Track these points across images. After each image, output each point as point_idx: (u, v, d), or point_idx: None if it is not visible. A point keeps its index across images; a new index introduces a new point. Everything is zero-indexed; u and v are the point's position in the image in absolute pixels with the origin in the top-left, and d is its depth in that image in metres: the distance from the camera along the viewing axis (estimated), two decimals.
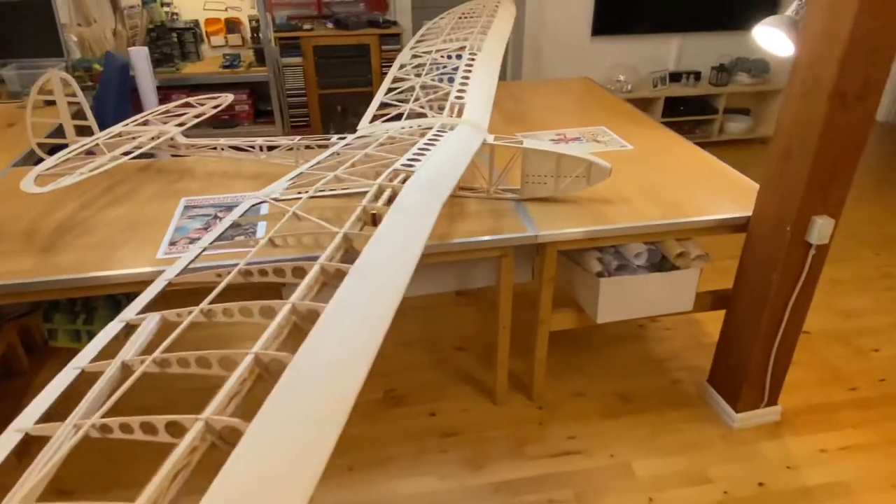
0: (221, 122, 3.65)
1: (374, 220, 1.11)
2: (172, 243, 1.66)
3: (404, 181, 1.25)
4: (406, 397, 2.16)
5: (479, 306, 2.65)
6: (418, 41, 2.67)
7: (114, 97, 2.71)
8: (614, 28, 4.15)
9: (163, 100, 3.30)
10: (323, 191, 1.28)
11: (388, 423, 2.06)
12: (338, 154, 1.63)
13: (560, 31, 4.12)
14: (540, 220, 1.81)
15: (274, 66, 3.49)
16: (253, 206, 1.26)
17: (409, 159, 1.40)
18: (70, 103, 2.05)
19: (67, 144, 2.01)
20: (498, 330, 1.97)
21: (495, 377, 2.08)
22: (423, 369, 2.29)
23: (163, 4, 3.48)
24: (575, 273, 1.99)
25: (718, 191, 1.97)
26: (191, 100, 2.38)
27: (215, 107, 2.34)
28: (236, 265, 0.99)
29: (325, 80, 3.60)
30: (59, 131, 2.15)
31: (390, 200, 1.18)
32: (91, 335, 1.90)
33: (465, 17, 2.97)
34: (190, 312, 0.88)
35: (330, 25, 3.59)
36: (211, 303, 0.90)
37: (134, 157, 1.94)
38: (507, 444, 1.97)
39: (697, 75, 4.26)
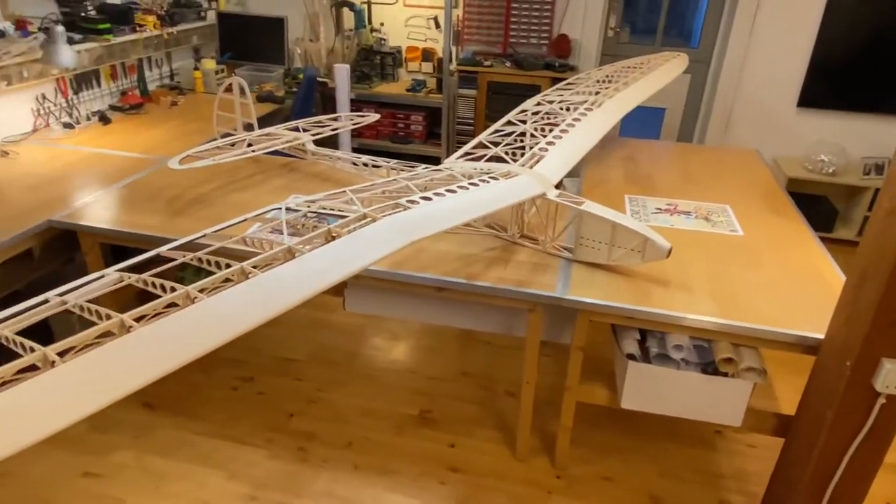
0: (399, 138, 4.07)
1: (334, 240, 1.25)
2: (258, 227, 1.99)
3: (389, 214, 1.37)
4: (437, 422, 2.24)
5: (556, 359, 2.60)
6: (557, 88, 2.71)
7: (300, 101, 3.24)
8: (827, 101, 3.64)
9: (354, 111, 3.82)
10: (332, 209, 1.45)
11: (410, 439, 2.16)
12: (395, 181, 1.80)
13: (759, 96, 3.76)
14: (578, 284, 1.76)
15: (449, 96, 3.79)
16: (274, 208, 1.49)
17: (421, 197, 1.51)
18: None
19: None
20: (522, 384, 1.95)
21: (524, 429, 2.05)
22: (465, 401, 2.34)
23: (372, 31, 4.02)
24: (614, 349, 1.88)
25: (813, 304, 1.70)
26: (341, 115, 2.76)
27: (355, 124, 2.68)
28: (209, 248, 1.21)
29: (494, 113, 3.79)
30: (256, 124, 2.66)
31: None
32: None
33: (628, 69, 2.93)
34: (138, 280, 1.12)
35: (508, 64, 3.77)
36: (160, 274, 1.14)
37: (271, 153, 2.35)
38: (505, 500, 1.94)
39: None
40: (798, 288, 1.78)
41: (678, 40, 3.99)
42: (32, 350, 0.88)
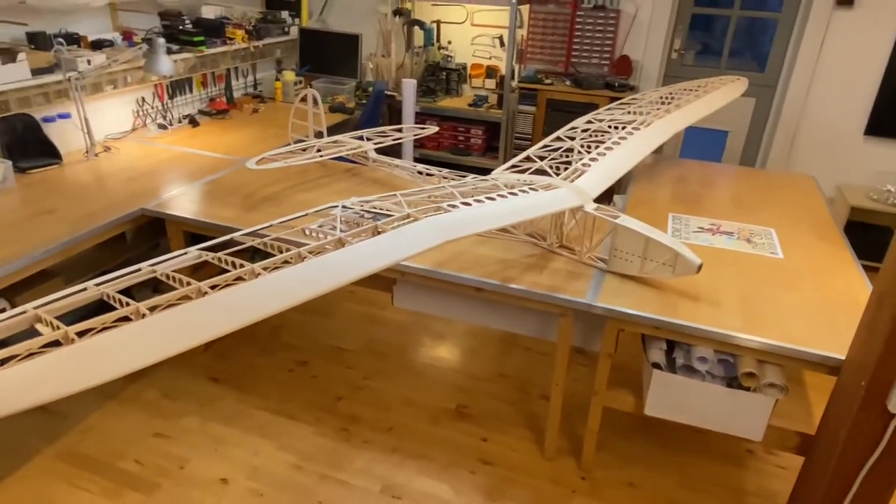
0: (458, 150, 4.25)
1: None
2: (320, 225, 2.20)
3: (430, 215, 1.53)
4: (472, 417, 2.37)
5: (592, 368, 2.68)
6: (609, 108, 2.81)
7: (368, 112, 3.48)
8: None
9: (418, 123, 4.04)
10: (382, 209, 1.63)
11: (445, 430, 2.30)
12: (442, 188, 1.96)
13: (825, 122, 3.70)
14: (609, 292, 1.86)
15: (508, 111, 3.95)
16: (332, 206, 1.68)
17: (461, 202, 1.66)
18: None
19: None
20: (552, 386, 2.06)
21: (552, 430, 2.16)
22: (500, 401, 2.46)
23: (440, 48, 4.23)
24: (642, 357, 1.96)
25: (843, 327, 1.73)
26: (404, 126, 2.96)
27: (415, 135, 2.87)
28: (270, 237, 1.41)
29: (551, 129, 3.89)
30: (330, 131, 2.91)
31: None
32: None
33: (683, 91, 2.99)
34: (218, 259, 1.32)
35: (568, 83, 3.89)
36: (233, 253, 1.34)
37: (337, 159, 2.57)
38: (530, 495, 2.04)
39: None
40: (830, 311, 1.81)
41: (748, 63, 3.97)
42: (128, 304, 1.09)
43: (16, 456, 2.10)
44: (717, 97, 2.86)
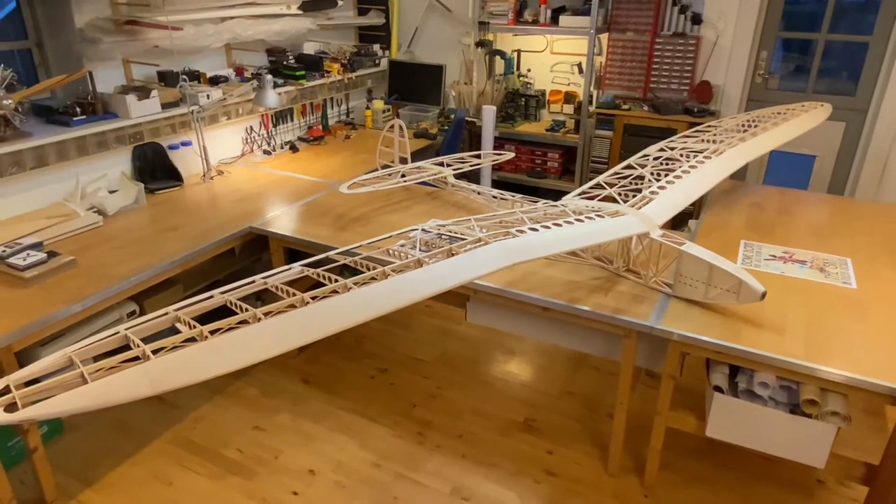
0: (535, 173, 4.39)
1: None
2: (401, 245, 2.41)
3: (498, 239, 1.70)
4: (539, 430, 2.49)
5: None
6: (684, 135, 2.87)
7: (449, 138, 3.70)
8: None
9: (497, 147, 4.23)
10: (456, 233, 1.82)
11: (513, 441, 2.43)
12: (513, 213, 2.12)
13: None
14: (672, 316, 1.95)
15: (585, 136, 4.05)
16: (412, 229, 1.89)
17: (529, 227, 1.82)
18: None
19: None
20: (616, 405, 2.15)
21: (616, 446, 2.25)
22: (567, 417, 2.56)
23: (520, 76, 4.41)
24: (706, 381, 2.02)
25: None
26: (477, 153, 3.15)
27: (491, 161, 3.05)
28: (363, 256, 1.63)
29: (627, 153, 3.96)
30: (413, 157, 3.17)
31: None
32: None
33: (761, 118, 3.01)
34: (317, 274, 1.56)
35: (646, 108, 3.95)
36: (328, 269, 1.57)
37: (419, 183, 2.80)
38: None
39: None
40: None
41: (840, 84, 3.87)
42: (247, 310, 1.33)
43: (139, 439, 2.44)
44: (795, 125, 2.86)
